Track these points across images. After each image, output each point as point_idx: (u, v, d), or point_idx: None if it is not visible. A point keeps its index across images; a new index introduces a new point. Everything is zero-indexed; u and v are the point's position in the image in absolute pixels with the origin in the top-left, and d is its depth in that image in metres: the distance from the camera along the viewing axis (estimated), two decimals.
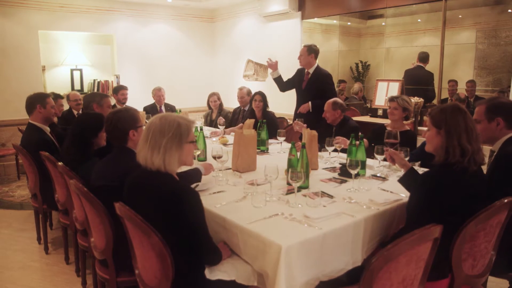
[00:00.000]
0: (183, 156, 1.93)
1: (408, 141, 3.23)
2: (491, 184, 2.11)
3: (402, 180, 2.36)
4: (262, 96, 4.74)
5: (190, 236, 1.83)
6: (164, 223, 1.82)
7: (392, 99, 3.48)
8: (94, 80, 7.06)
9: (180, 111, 4.83)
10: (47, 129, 3.66)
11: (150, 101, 6.07)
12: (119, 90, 5.64)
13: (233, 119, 5.39)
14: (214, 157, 2.80)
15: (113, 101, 5.68)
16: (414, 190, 2.05)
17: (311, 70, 4.63)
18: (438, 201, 1.89)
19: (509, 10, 5.40)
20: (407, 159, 2.75)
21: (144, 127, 2.07)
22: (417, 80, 5.80)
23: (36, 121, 3.60)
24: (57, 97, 4.79)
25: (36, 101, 3.59)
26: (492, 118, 2.31)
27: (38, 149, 3.22)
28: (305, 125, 3.87)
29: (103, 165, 2.39)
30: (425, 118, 4.91)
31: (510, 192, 1.96)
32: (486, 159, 2.30)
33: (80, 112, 5.11)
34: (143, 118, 4.30)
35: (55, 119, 4.23)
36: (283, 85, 4.94)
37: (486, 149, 2.28)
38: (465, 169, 1.92)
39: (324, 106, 4.01)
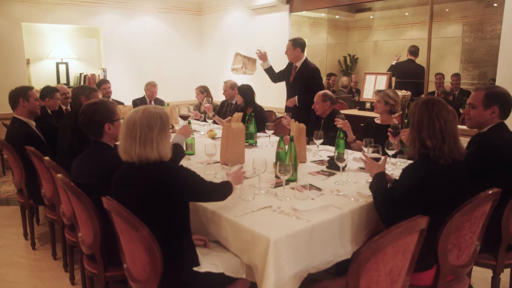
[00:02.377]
0: (169, 143, 1.97)
1: None
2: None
3: (371, 186, 2.23)
4: (238, 89, 4.72)
5: (201, 199, 2.07)
6: (159, 211, 1.83)
7: (376, 93, 3.53)
8: (81, 74, 6.97)
9: (168, 104, 4.80)
10: (32, 123, 3.60)
11: (137, 94, 6.01)
12: (101, 85, 5.55)
13: (221, 112, 5.38)
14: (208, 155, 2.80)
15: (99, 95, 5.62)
16: (399, 182, 2.06)
17: (298, 64, 4.63)
18: (421, 192, 1.91)
19: (495, 4, 5.45)
20: (394, 152, 2.76)
21: (121, 121, 2.04)
22: (408, 74, 5.85)
23: (21, 115, 3.55)
24: (53, 91, 4.61)
25: (19, 95, 3.53)
26: (489, 105, 2.33)
27: (24, 143, 3.17)
28: (293, 119, 3.88)
29: (81, 162, 2.35)
30: None
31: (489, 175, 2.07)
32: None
33: (68, 106, 5.03)
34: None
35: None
36: (275, 76, 4.93)
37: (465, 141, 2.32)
38: (436, 162, 1.94)
39: (310, 101, 4.02)
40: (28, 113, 3.56)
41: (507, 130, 2.40)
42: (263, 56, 4.84)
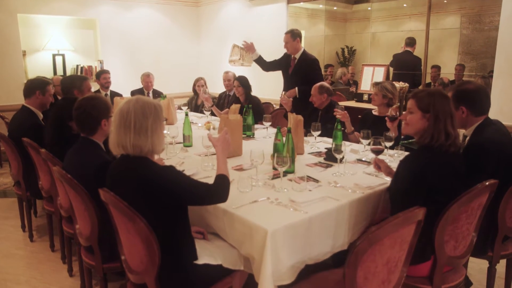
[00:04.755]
0: (163, 135, 1.93)
1: None
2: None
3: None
4: (239, 81, 4.69)
5: (189, 202, 1.89)
6: (152, 208, 1.81)
7: (374, 85, 3.52)
8: (77, 66, 6.93)
9: (165, 96, 4.78)
10: (40, 115, 3.60)
11: (134, 85, 5.98)
12: (101, 75, 5.56)
13: (218, 104, 5.36)
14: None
15: (96, 86, 5.60)
16: (397, 174, 2.06)
17: (297, 55, 4.60)
18: (423, 182, 1.92)
19: None
20: (391, 144, 2.78)
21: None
22: (405, 65, 5.84)
23: (32, 105, 3.55)
24: (45, 85, 4.58)
25: (37, 87, 3.54)
26: (457, 106, 2.28)
27: (30, 133, 3.16)
28: (291, 99, 3.90)
29: (68, 160, 2.35)
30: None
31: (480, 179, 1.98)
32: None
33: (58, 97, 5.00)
34: None
35: None
36: (266, 65, 4.89)
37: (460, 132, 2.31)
38: (446, 151, 1.96)
39: (309, 92, 4.01)
40: (40, 105, 3.58)
41: (490, 127, 2.29)
42: (250, 47, 4.80)
